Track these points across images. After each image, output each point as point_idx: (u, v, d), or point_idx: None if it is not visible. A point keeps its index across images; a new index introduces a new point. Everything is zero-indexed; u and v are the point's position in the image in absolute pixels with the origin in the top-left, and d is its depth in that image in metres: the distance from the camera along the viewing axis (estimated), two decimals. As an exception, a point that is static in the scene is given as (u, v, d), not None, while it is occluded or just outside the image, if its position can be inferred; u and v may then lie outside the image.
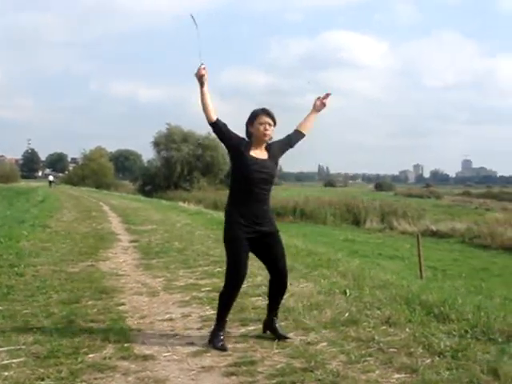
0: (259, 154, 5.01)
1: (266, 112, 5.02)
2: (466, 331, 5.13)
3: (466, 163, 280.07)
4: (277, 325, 5.22)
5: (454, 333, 5.12)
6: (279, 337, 5.11)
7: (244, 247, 4.98)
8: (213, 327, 5.08)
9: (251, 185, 4.94)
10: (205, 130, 72.34)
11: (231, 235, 5.00)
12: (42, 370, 4.30)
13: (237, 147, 4.99)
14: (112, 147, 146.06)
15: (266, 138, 5.03)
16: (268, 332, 5.24)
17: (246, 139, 5.06)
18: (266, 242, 5.08)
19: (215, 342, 4.92)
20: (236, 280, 5.01)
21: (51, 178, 74.78)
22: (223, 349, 4.84)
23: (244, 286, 5.50)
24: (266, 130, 4.98)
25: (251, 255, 5.12)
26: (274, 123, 5.06)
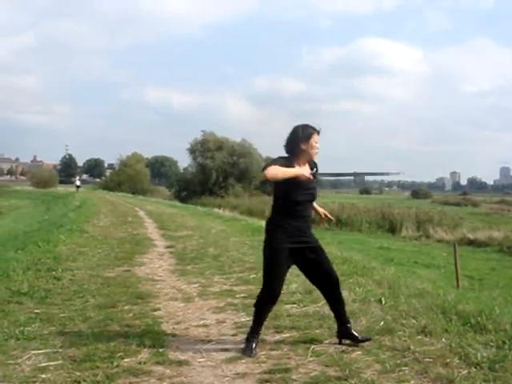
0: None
1: (318, 131, 5.13)
2: (504, 342, 5.05)
3: (504, 170, 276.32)
4: (353, 330, 5.23)
5: (491, 344, 5.05)
6: (360, 341, 5.14)
7: (284, 259, 5.04)
8: (246, 335, 5.10)
9: (296, 205, 5.04)
10: (238, 137, 72.83)
11: (273, 247, 5.05)
12: (78, 374, 4.36)
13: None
14: (148, 153, 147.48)
15: (315, 156, 5.16)
16: (346, 341, 5.23)
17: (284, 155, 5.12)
18: (313, 258, 5.13)
19: (246, 350, 4.93)
20: (273, 292, 5.11)
21: (78, 182, 75.77)
22: (250, 355, 4.86)
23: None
24: (317, 148, 5.13)
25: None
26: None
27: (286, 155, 5.09)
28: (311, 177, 4.97)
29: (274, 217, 5.12)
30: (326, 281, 5.21)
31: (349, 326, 5.24)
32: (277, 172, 4.81)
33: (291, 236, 5.01)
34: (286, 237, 4.99)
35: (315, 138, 5.08)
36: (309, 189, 5.08)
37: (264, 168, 4.90)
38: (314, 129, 5.10)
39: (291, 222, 5.03)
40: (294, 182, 4.90)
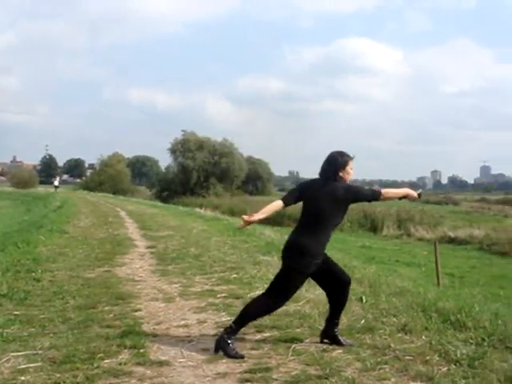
0: None
1: (351, 158, 5.24)
2: (483, 339, 5.10)
3: (485, 169, 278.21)
4: (337, 332, 5.25)
5: (470, 341, 5.10)
6: (340, 343, 5.16)
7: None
8: (223, 335, 5.02)
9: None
10: (220, 137, 72.75)
11: (303, 270, 5.03)
12: (58, 375, 4.34)
13: None
14: (130, 153, 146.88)
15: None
16: (325, 340, 5.26)
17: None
18: (322, 264, 5.14)
19: (229, 350, 4.90)
20: (283, 304, 5.22)
21: (56, 182, 75.69)
22: (241, 356, 4.85)
23: (259, 292, 5.53)
24: (352, 174, 5.28)
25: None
26: None
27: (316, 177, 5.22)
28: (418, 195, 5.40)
29: (317, 243, 5.04)
30: (337, 282, 5.26)
31: (337, 332, 5.25)
32: (393, 192, 5.39)
33: (320, 259, 5.09)
34: (316, 262, 5.04)
35: (351, 164, 5.20)
36: None
37: (372, 192, 5.26)
38: (349, 156, 5.21)
39: (325, 246, 5.14)
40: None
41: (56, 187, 69.72)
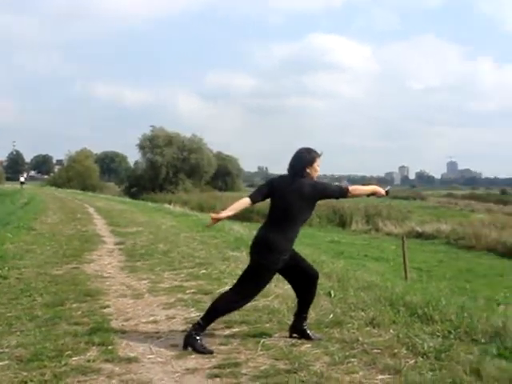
0: None
1: (319, 155, 5.25)
2: (450, 332, 5.17)
3: (451, 165, 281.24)
4: (305, 326, 5.27)
5: (437, 334, 5.16)
6: (308, 338, 5.18)
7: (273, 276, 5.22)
8: (191, 331, 5.02)
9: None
10: (189, 132, 72.52)
11: (271, 266, 5.03)
12: (25, 374, 4.29)
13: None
14: (99, 149, 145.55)
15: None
16: (294, 334, 5.28)
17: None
18: (290, 260, 5.15)
19: (198, 346, 4.90)
20: (250, 300, 5.24)
21: (22, 179, 75.32)
22: (209, 351, 4.85)
23: (228, 288, 5.54)
24: (319, 171, 5.28)
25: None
26: None
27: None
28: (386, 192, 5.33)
29: (286, 240, 5.05)
30: (305, 277, 5.28)
31: (305, 326, 5.27)
32: (361, 189, 5.41)
33: (288, 254, 5.08)
34: (283, 258, 5.03)
35: (318, 161, 5.21)
36: None
37: (340, 189, 5.26)
38: (317, 153, 5.22)
39: (293, 242, 5.15)
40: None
41: (22, 183, 69.03)
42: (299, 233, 5.15)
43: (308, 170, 5.13)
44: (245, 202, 5.14)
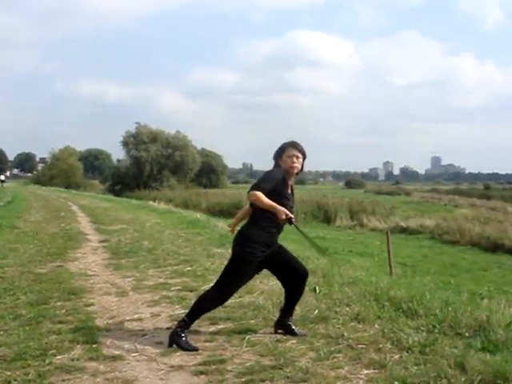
0: (289, 188, 5.14)
1: (293, 145, 5.11)
2: (434, 326, 5.19)
3: (435, 160, 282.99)
4: (290, 322, 5.27)
5: (422, 328, 5.17)
6: (293, 334, 5.17)
7: (254, 270, 5.11)
8: (176, 328, 5.01)
9: (280, 222, 5.00)
10: (173, 129, 72.33)
11: (248, 257, 4.98)
12: (8, 373, 4.25)
13: (277, 189, 4.97)
14: (82, 147, 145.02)
15: (294, 171, 5.10)
16: (279, 330, 5.28)
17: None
18: (279, 258, 5.19)
19: (183, 343, 4.89)
20: (229, 298, 5.22)
21: (2, 177, 74.98)
22: (194, 348, 4.83)
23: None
24: (293, 162, 5.06)
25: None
26: (303, 155, 5.15)
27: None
28: (288, 219, 4.83)
29: (256, 229, 5.02)
30: (294, 275, 5.27)
31: (290, 322, 5.28)
32: (262, 200, 4.78)
33: (269, 248, 5.05)
34: (264, 250, 5.01)
35: (289, 152, 5.07)
36: (291, 207, 5.07)
37: (253, 187, 4.85)
38: (291, 144, 5.12)
39: (272, 235, 5.07)
40: (283, 203, 4.89)
41: (2, 181, 68.70)
42: (281, 227, 5.10)
43: (280, 163, 5.08)
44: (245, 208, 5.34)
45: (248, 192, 4.89)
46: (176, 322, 5.15)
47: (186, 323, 4.99)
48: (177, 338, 4.91)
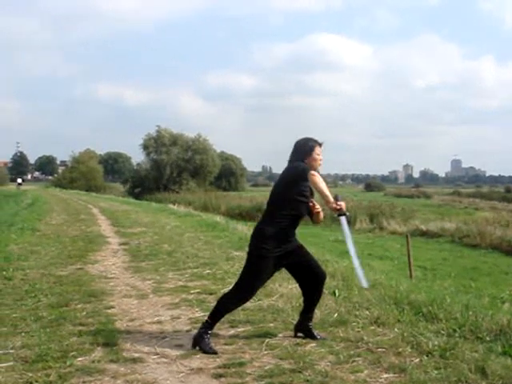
0: None
1: (319, 143, 5.16)
2: (455, 330, 5.16)
3: (455, 163, 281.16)
4: (311, 325, 5.27)
5: (442, 332, 5.16)
6: (313, 337, 5.17)
7: (271, 267, 5.07)
8: (200, 330, 5.04)
9: (299, 218, 5.13)
10: (192, 132, 72.47)
11: (262, 253, 4.99)
12: (30, 374, 4.29)
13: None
14: (102, 150, 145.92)
15: (320, 168, 5.16)
16: (299, 334, 5.28)
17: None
18: (299, 258, 5.19)
19: (204, 345, 4.90)
20: (250, 298, 5.22)
21: (19, 180, 75.73)
22: (214, 352, 4.84)
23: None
24: (321, 160, 5.15)
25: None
26: None
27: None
28: (337, 210, 4.94)
29: (273, 226, 5.02)
30: (313, 277, 5.25)
31: (311, 325, 5.27)
32: (319, 183, 4.85)
33: (283, 244, 5.03)
34: (278, 246, 4.99)
35: (318, 150, 5.13)
36: (308, 204, 5.13)
37: (305, 170, 4.88)
38: (316, 141, 5.15)
39: (288, 231, 5.07)
40: (306, 197, 5.01)
41: (19, 185, 69.42)
42: (296, 224, 5.12)
43: (307, 161, 5.05)
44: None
45: (300, 168, 4.93)
46: (196, 325, 5.17)
47: (209, 324, 5.02)
48: (200, 340, 4.93)
